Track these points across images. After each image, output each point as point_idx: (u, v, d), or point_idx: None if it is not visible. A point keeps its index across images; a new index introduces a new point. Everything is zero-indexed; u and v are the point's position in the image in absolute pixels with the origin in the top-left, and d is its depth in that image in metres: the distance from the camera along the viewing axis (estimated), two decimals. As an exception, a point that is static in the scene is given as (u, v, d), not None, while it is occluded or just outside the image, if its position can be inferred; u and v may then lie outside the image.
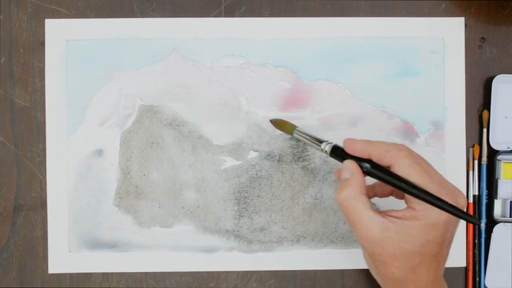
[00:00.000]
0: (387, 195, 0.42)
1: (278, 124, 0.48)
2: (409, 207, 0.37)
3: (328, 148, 0.41)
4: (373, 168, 0.37)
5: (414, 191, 0.36)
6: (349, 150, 0.39)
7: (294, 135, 0.45)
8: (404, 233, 0.36)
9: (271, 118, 0.49)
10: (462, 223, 0.50)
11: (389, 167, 0.37)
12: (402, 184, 0.36)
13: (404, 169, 0.36)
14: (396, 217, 0.36)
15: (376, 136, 0.50)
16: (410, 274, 0.37)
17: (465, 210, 0.36)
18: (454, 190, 0.37)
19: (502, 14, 0.50)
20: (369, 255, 0.38)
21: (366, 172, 0.38)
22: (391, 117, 0.50)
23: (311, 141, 0.43)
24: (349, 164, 0.38)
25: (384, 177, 0.37)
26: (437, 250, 0.37)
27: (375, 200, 0.49)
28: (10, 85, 0.49)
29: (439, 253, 0.37)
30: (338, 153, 0.40)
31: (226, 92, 0.49)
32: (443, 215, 0.36)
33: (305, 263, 0.50)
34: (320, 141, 0.42)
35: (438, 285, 0.38)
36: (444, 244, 0.37)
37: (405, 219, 0.36)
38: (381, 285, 0.40)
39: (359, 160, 0.38)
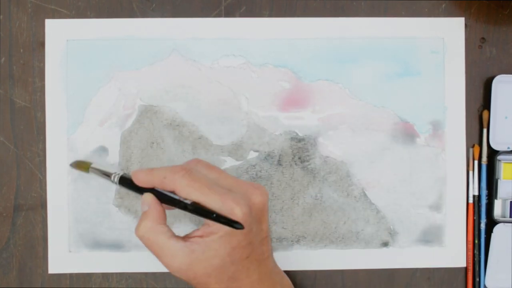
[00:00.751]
0: None
1: (76, 165, 0.46)
2: (205, 223, 0.37)
3: (116, 179, 0.40)
4: (159, 196, 0.38)
5: (194, 210, 0.36)
6: (137, 181, 0.38)
7: (90, 172, 0.43)
8: (209, 250, 0.36)
9: (70, 163, 0.46)
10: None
11: (173, 191, 0.37)
12: (188, 205, 0.36)
13: (183, 190, 0.36)
14: (198, 237, 0.37)
15: (376, 136, 0.50)
16: (231, 283, 0.37)
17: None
18: (248, 189, 0.37)
19: (502, 14, 0.50)
20: (187, 282, 0.38)
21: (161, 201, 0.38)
22: (391, 117, 0.50)
23: (103, 175, 0.42)
24: (146, 196, 0.38)
25: (170, 203, 0.37)
26: (248, 252, 0.37)
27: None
28: (10, 85, 0.49)
29: (252, 254, 0.37)
30: (129, 183, 0.39)
31: (226, 92, 0.49)
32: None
33: (305, 263, 0.50)
34: (110, 174, 0.41)
35: (267, 280, 0.39)
36: (255, 244, 0.38)
37: (205, 236, 0.36)
38: None
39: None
